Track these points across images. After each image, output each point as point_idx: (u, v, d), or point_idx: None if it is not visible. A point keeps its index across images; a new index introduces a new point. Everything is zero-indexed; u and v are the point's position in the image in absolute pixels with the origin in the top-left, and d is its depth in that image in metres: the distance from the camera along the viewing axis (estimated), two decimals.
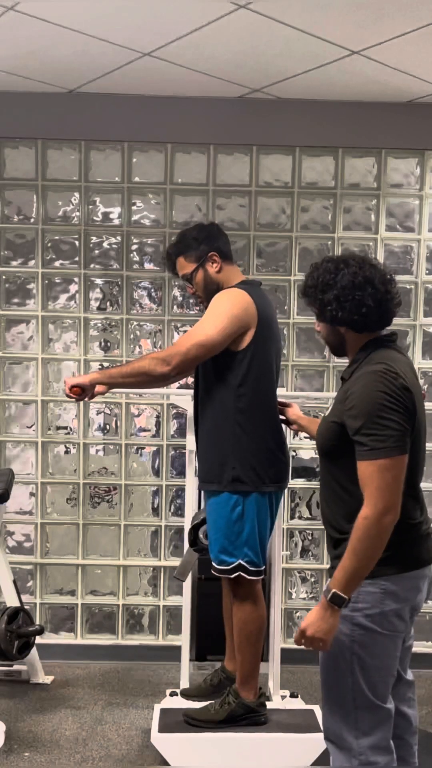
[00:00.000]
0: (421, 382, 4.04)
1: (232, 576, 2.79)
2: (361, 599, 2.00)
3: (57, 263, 4.01)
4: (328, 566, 2.21)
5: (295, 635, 2.02)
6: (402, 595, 2.02)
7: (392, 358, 2.05)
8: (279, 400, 2.87)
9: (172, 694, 3.21)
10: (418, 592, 2.07)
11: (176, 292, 4.02)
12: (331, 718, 2.09)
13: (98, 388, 2.80)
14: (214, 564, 2.83)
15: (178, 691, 3.22)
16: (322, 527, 2.33)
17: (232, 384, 2.74)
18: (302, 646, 2.00)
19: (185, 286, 2.98)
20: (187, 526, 3.14)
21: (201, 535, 2.99)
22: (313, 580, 4.07)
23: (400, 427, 1.94)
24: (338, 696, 2.05)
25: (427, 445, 4.15)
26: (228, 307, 2.71)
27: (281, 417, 2.86)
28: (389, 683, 2.07)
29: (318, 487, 2.38)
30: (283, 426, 2.88)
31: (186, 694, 3.13)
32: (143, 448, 4.07)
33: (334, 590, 1.93)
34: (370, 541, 1.91)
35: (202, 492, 2.98)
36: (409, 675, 2.26)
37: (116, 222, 4.00)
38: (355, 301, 2.06)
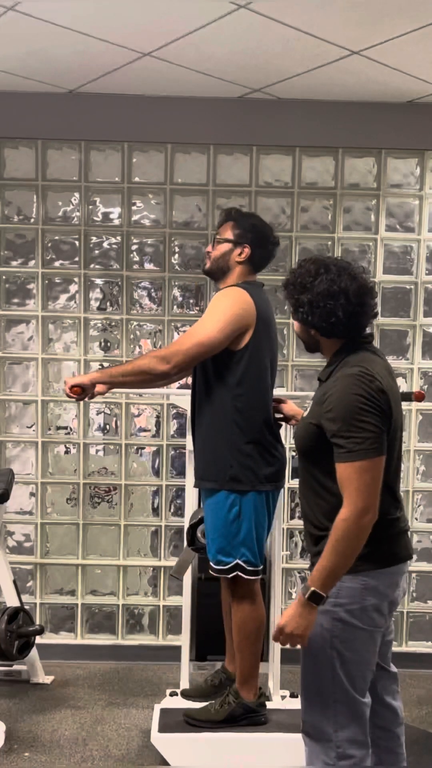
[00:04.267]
0: (421, 382, 4.04)
1: (230, 576, 2.79)
2: (342, 595, 2.04)
3: (57, 263, 4.01)
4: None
5: (274, 633, 2.04)
6: (381, 590, 2.07)
7: (368, 360, 2.09)
8: (274, 396, 2.88)
9: (172, 694, 3.21)
10: (396, 588, 2.12)
11: (176, 292, 4.02)
12: (309, 710, 2.12)
13: (99, 387, 2.79)
14: (212, 564, 2.84)
15: (178, 691, 3.22)
16: None
17: (229, 383, 2.74)
18: (280, 644, 2.04)
19: (210, 241, 2.98)
20: (187, 526, 3.14)
21: (199, 534, 2.98)
22: None
23: (377, 429, 1.98)
24: (317, 689, 2.09)
25: (426, 445, 4.18)
26: (228, 306, 2.71)
27: (279, 414, 2.87)
28: (368, 678, 2.11)
29: None
30: (282, 423, 2.88)
31: (186, 695, 3.13)
32: (143, 448, 4.07)
33: (312, 588, 1.97)
34: (349, 541, 1.96)
35: (201, 492, 2.98)
36: (393, 668, 2.31)
37: (116, 222, 4.00)
38: (326, 309, 2.09)
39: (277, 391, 2.93)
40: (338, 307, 2.08)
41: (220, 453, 2.76)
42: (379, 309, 2.21)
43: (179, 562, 3.18)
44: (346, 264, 2.16)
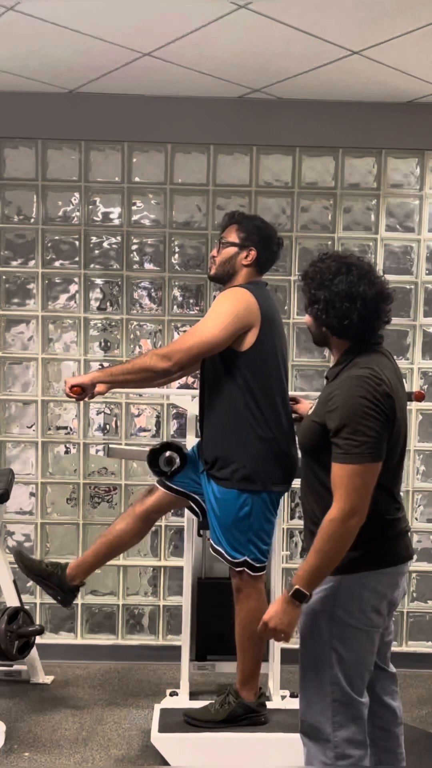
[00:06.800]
0: (421, 382, 4.04)
1: (238, 569, 2.80)
2: (341, 594, 2.05)
3: (57, 263, 4.01)
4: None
5: (259, 626, 2.07)
6: (381, 590, 2.07)
7: (378, 362, 2.08)
8: (290, 396, 2.88)
9: (172, 694, 3.22)
10: (396, 588, 2.12)
11: (176, 292, 4.02)
12: (308, 710, 2.13)
13: (99, 387, 2.79)
14: (214, 545, 2.82)
15: (178, 691, 3.22)
16: None
17: (239, 383, 2.74)
18: (265, 637, 2.10)
19: (215, 245, 2.96)
20: (188, 525, 3.17)
21: (162, 462, 2.91)
22: None
23: (377, 434, 1.97)
24: (316, 689, 2.10)
25: (426, 445, 4.17)
26: (231, 306, 2.71)
27: (294, 414, 2.86)
28: (365, 678, 2.11)
29: None
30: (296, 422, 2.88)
31: (19, 554, 3.06)
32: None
33: (296, 586, 1.99)
34: (334, 542, 1.96)
35: (206, 478, 2.90)
36: (391, 668, 2.31)
37: (116, 222, 4.00)
38: (341, 311, 2.08)
39: None
40: (354, 310, 2.06)
41: (232, 452, 2.75)
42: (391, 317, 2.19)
43: (124, 450, 3.08)
44: (368, 267, 2.14)
